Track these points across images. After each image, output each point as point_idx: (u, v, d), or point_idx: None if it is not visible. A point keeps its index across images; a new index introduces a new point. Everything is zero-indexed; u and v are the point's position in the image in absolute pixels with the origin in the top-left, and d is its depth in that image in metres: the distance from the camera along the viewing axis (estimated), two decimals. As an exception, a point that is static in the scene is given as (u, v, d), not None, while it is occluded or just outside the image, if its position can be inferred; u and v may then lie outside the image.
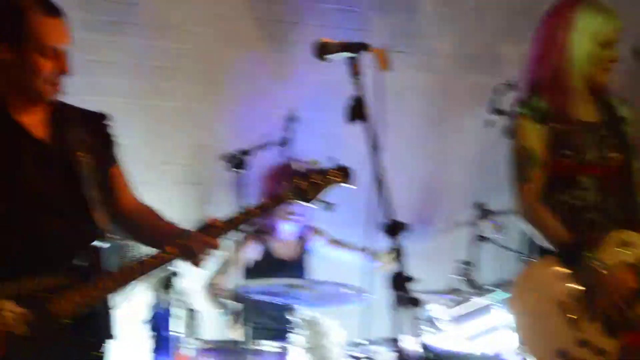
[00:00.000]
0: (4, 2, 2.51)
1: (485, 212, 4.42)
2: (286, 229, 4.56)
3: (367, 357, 4.01)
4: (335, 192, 2.75)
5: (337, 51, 2.37)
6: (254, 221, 4.17)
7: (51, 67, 2.47)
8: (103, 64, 4.61)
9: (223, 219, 2.63)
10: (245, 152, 3.93)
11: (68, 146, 2.56)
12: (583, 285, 2.96)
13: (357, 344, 4.09)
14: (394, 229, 2.25)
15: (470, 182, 4.96)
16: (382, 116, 2.34)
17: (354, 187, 2.71)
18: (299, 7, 4.98)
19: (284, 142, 4.11)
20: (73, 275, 2.45)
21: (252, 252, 4.47)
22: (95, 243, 2.53)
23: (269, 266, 4.46)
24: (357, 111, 2.31)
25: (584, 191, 3.08)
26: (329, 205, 2.75)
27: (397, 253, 2.24)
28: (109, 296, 2.54)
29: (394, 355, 2.65)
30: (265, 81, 4.91)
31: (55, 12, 2.48)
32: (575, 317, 2.95)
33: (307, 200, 2.71)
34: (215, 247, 2.60)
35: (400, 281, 2.22)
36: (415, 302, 2.21)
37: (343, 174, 2.72)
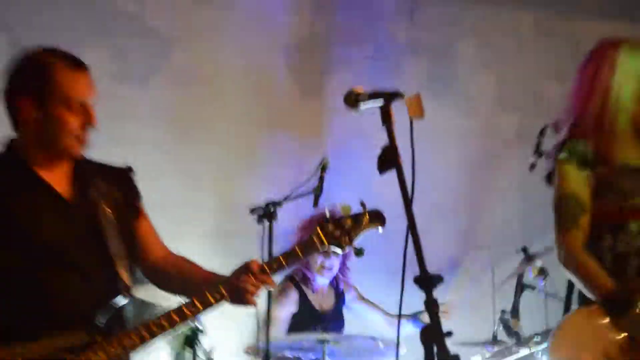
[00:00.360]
0: (28, 58, 2.56)
1: (530, 258, 4.39)
2: (320, 281, 4.59)
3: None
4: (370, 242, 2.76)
5: (369, 100, 2.38)
6: (289, 269, 4.31)
7: (77, 122, 2.51)
8: (132, 116, 4.71)
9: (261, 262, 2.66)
10: (275, 204, 3.94)
11: (90, 201, 2.60)
12: (630, 335, 2.89)
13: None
14: (427, 281, 2.23)
15: (514, 226, 4.94)
16: (415, 164, 2.33)
17: (381, 232, 2.73)
18: (332, 57, 5.04)
19: (316, 192, 4.12)
20: (94, 333, 2.47)
21: (289, 305, 4.48)
22: (118, 299, 2.55)
23: (307, 318, 4.47)
24: (388, 160, 2.31)
25: (630, 236, 3.02)
26: (360, 252, 2.77)
27: (432, 307, 2.22)
28: (131, 353, 2.54)
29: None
30: (296, 131, 4.96)
31: (79, 65, 2.54)
32: None
33: (341, 247, 2.71)
34: (270, 283, 2.63)
35: (436, 337, 2.19)
36: (455, 359, 2.18)
37: (376, 218, 2.71)
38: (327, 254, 4.46)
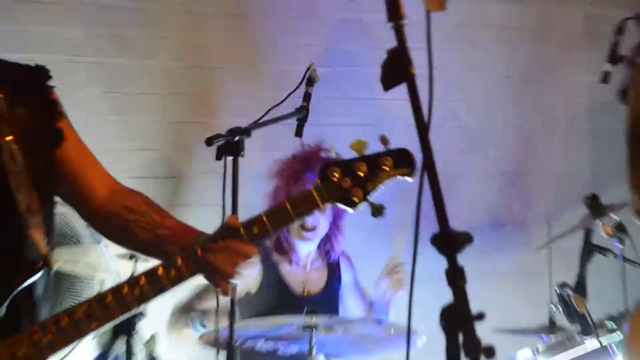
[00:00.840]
0: None
1: (600, 209, 4.41)
2: (302, 249, 4.56)
3: None
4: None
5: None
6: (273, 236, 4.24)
7: None
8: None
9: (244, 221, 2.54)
10: (241, 132, 3.81)
11: None
12: None
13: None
14: (450, 242, 2.24)
15: (578, 166, 4.97)
16: (436, 76, 2.33)
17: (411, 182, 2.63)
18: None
19: (300, 115, 3.97)
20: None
21: (254, 276, 4.45)
22: (26, 274, 2.46)
23: (279, 303, 4.45)
24: (396, 71, 2.30)
25: None
26: (378, 210, 2.57)
27: (456, 278, 2.23)
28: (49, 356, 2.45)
29: None
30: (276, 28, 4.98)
31: None
32: None
33: (352, 204, 2.56)
34: (250, 255, 2.52)
35: (462, 320, 2.21)
36: (489, 353, 2.19)
37: (404, 161, 2.55)
38: (309, 233, 4.48)
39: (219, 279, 2.51)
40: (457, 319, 2.19)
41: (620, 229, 4.38)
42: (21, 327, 2.43)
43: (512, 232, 4.99)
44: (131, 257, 3.88)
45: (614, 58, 4.19)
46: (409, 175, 2.56)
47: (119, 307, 2.45)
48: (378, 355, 4.38)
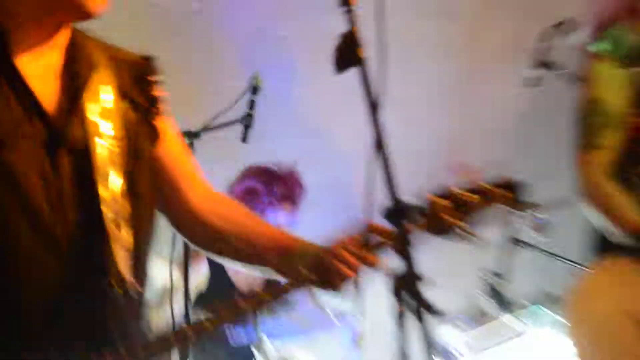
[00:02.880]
0: None
1: (523, 204, 4.44)
2: None
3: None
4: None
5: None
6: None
7: None
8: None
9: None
10: (191, 134, 3.78)
11: (84, 125, 2.11)
12: None
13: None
14: (400, 213, 2.21)
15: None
16: (384, 65, 2.29)
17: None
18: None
19: (245, 121, 3.95)
20: (81, 341, 2.04)
21: (203, 273, 4.42)
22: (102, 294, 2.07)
23: (223, 294, 4.32)
24: (349, 54, 2.26)
25: None
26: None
27: (405, 245, 2.20)
28: None
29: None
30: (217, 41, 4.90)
31: None
32: None
33: (441, 231, 2.36)
34: (372, 262, 2.27)
35: (408, 283, 2.18)
36: (431, 310, 2.17)
37: (510, 193, 2.48)
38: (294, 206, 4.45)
39: (338, 282, 2.28)
40: (406, 282, 2.18)
41: (542, 224, 4.42)
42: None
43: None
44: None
45: (541, 63, 4.21)
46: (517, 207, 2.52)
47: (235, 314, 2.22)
48: (318, 335, 4.32)
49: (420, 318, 2.12)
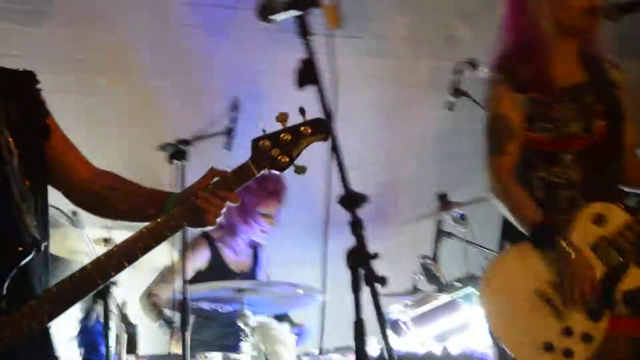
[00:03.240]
0: None
1: (447, 204, 4.43)
2: (244, 238, 4.53)
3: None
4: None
5: (284, 10, 2.30)
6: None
7: None
8: (22, 58, 4.50)
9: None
10: (186, 142, 3.83)
11: None
12: (558, 270, 2.92)
13: (311, 354, 4.08)
14: (352, 200, 2.19)
15: (430, 172, 4.98)
16: (335, 82, 2.28)
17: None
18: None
19: (228, 132, 4.03)
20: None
21: (201, 259, 4.40)
22: (21, 256, 2.20)
23: (218, 276, 4.31)
24: (307, 75, 2.24)
25: (565, 168, 3.03)
26: (301, 169, 2.40)
27: (357, 227, 2.17)
28: (49, 322, 2.23)
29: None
30: (205, 70, 4.83)
31: None
32: (556, 302, 2.91)
33: (281, 168, 2.37)
34: (233, 199, 2.32)
35: (361, 258, 2.15)
36: (379, 280, 2.14)
37: (319, 128, 2.36)
38: (270, 220, 4.44)
39: (209, 218, 2.32)
40: (359, 257, 2.15)
41: (462, 219, 4.39)
42: (21, 303, 2.18)
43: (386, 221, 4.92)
44: (105, 241, 3.69)
45: (455, 92, 4.23)
46: (325, 139, 2.35)
47: (124, 257, 2.25)
48: (292, 310, 4.35)
49: (372, 288, 2.11)
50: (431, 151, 5.13)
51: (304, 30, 2.26)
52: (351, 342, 2.49)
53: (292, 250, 4.69)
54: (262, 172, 2.35)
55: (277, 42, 4.10)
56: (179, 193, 2.42)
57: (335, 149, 2.22)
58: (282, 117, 2.29)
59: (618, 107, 3.09)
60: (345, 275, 2.25)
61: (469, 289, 3.98)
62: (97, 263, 2.23)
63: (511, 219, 3.04)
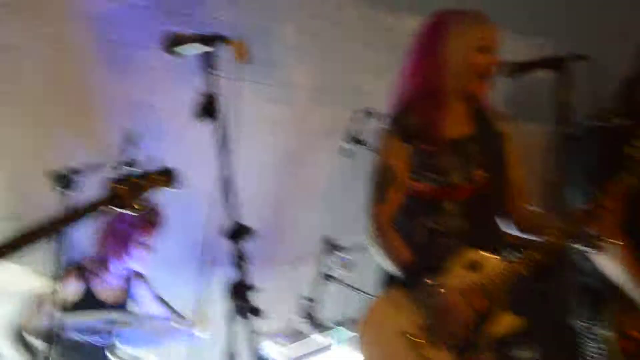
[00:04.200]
0: None
1: (332, 248, 4.49)
2: (117, 269, 4.39)
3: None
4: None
5: (191, 43, 2.35)
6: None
7: None
8: None
9: None
10: (75, 171, 3.69)
11: None
12: (426, 310, 2.98)
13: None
14: (237, 233, 2.25)
15: (318, 217, 5.02)
16: (236, 120, 2.34)
17: (178, 191, 2.59)
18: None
19: (129, 163, 3.92)
20: None
21: (72, 289, 4.24)
22: None
23: (89, 307, 4.20)
24: (207, 108, 2.30)
25: (446, 216, 3.09)
26: (147, 208, 2.57)
27: (240, 259, 2.23)
28: None
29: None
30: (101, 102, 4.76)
31: None
32: (423, 345, 2.97)
33: (123, 206, 2.52)
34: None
35: (241, 290, 2.21)
36: (256, 312, 2.20)
37: (166, 176, 2.56)
38: (147, 248, 4.36)
39: None
40: (240, 289, 2.20)
41: (346, 265, 4.46)
42: None
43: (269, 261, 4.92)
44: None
45: (351, 140, 4.32)
46: (170, 186, 2.58)
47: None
48: (166, 344, 4.21)
49: (247, 319, 2.17)
50: (323, 196, 5.17)
51: (209, 64, 2.32)
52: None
53: (170, 283, 4.59)
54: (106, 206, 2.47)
55: (178, 80, 4.07)
56: None
57: (226, 181, 2.28)
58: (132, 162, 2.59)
59: (501, 158, 3.20)
60: (221, 308, 2.30)
61: (344, 332, 4.05)
62: None
63: (384, 264, 3.10)
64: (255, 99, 4.84)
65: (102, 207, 2.46)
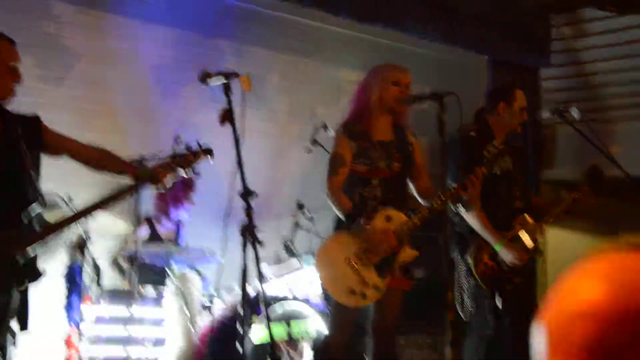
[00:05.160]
0: None
1: (302, 208, 4.45)
2: (176, 216, 4.22)
3: (216, 298, 3.93)
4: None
5: (216, 77, 2.29)
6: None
7: (11, 79, 2.33)
8: None
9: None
10: (145, 158, 3.47)
11: (14, 141, 2.35)
12: (361, 243, 2.96)
13: (210, 294, 3.99)
14: (247, 194, 2.21)
15: (295, 189, 4.96)
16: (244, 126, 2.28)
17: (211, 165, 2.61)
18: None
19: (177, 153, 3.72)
20: (19, 228, 2.26)
21: (143, 232, 4.10)
22: (35, 206, 2.33)
23: (154, 242, 4.09)
24: (227, 117, 2.24)
25: (373, 188, 3.08)
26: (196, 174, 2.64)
27: (249, 209, 2.18)
28: (41, 243, 2.31)
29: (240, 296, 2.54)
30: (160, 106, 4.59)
31: (11, 41, 2.40)
32: (358, 265, 2.96)
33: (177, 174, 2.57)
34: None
35: (250, 229, 2.16)
36: (259, 242, 2.15)
37: (204, 152, 2.57)
38: (191, 203, 4.18)
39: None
40: (248, 229, 2.12)
41: (310, 219, 4.35)
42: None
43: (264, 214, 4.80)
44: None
45: (313, 142, 4.24)
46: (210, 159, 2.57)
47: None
48: (201, 265, 4.06)
49: (254, 247, 2.11)
50: (296, 176, 5.03)
51: (227, 90, 2.26)
52: (237, 286, 2.45)
53: (203, 227, 4.48)
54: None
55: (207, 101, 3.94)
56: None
57: (239, 162, 2.23)
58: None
59: (410, 156, 3.20)
60: (237, 244, 2.24)
61: (310, 258, 3.99)
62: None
63: (336, 212, 3.07)
64: (252, 118, 4.72)
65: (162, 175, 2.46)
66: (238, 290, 3.31)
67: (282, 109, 5.20)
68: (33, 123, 2.49)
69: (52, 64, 4.24)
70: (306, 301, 3.79)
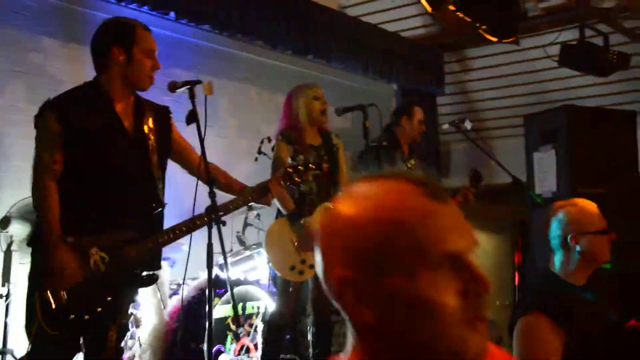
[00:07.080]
0: (115, 21, 2.15)
1: (250, 207, 4.36)
2: None
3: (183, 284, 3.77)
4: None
5: (183, 86, 2.25)
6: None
7: (150, 65, 2.12)
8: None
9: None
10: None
11: (143, 133, 2.13)
12: (300, 232, 3.04)
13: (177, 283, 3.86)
14: (211, 181, 2.17)
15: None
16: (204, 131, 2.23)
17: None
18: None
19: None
20: (141, 232, 2.06)
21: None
22: (157, 207, 2.14)
23: None
24: (192, 118, 2.21)
25: (309, 183, 3.14)
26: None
27: (213, 196, 2.13)
28: (163, 247, 2.15)
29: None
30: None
31: (149, 29, 2.15)
32: (298, 245, 3.03)
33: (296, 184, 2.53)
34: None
35: (216, 215, 2.11)
36: (223, 223, 2.11)
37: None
38: None
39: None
40: (215, 214, 2.06)
41: (258, 216, 4.30)
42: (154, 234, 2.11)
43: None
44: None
45: (260, 153, 4.09)
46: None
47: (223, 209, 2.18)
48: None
49: (218, 227, 2.07)
50: (247, 181, 4.92)
51: (192, 95, 2.22)
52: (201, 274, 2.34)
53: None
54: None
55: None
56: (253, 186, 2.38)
57: (203, 155, 2.19)
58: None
59: (335, 157, 3.29)
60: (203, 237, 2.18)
61: (259, 249, 3.96)
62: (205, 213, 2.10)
63: (281, 209, 3.07)
64: (207, 134, 4.60)
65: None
66: (203, 277, 3.24)
67: (232, 126, 5.16)
68: (164, 115, 2.29)
69: (39, 88, 4.03)
70: (257, 283, 3.75)
